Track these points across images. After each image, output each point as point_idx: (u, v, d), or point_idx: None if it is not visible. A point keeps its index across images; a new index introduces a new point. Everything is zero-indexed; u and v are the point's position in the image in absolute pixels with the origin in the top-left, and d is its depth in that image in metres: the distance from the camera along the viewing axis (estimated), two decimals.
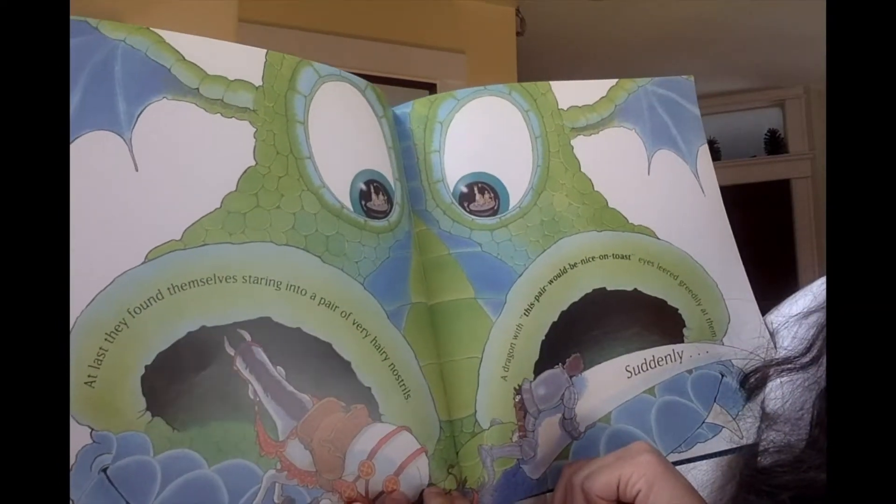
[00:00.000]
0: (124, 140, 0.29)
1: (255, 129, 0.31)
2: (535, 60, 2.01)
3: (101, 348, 0.27)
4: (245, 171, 0.31)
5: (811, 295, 0.40)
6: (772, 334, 0.41)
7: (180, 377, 0.28)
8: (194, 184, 0.30)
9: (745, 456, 0.33)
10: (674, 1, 1.82)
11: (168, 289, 0.29)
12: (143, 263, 0.28)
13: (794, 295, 0.43)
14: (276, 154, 0.32)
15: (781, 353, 0.36)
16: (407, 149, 0.39)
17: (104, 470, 0.27)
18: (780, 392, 0.37)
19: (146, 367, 0.28)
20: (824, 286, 0.39)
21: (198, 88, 0.31)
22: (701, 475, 0.41)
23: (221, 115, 0.31)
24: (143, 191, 0.29)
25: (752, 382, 0.34)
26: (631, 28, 2.00)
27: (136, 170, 0.29)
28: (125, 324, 0.28)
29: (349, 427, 0.31)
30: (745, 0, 1.77)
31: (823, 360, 0.31)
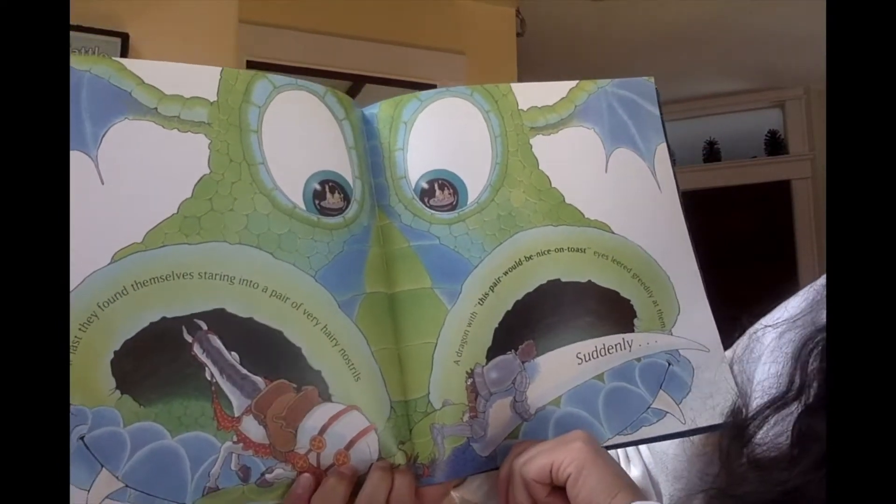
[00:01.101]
0: (91, 157, 0.33)
1: (209, 141, 0.35)
2: (535, 61, 2.02)
3: (76, 337, 0.31)
4: (200, 179, 0.34)
5: (799, 299, 0.41)
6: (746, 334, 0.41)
7: (145, 361, 0.32)
8: (154, 193, 0.33)
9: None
10: (674, 1, 1.81)
11: (132, 285, 0.32)
12: (109, 264, 0.32)
13: (784, 302, 0.43)
14: (229, 162, 0.35)
15: (769, 392, 0.35)
16: (374, 147, 0.41)
17: (82, 438, 0.31)
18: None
19: (115, 352, 0.32)
20: (812, 291, 0.40)
21: (156, 108, 0.34)
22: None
23: (178, 130, 0.34)
24: (109, 201, 0.32)
25: (752, 429, 0.34)
26: (631, 28, 2.01)
27: (102, 183, 0.33)
28: (96, 316, 0.32)
29: (300, 405, 0.34)
30: (745, 0, 1.77)
31: (813, 385, 0.31)
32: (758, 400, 0.37)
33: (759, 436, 0.33)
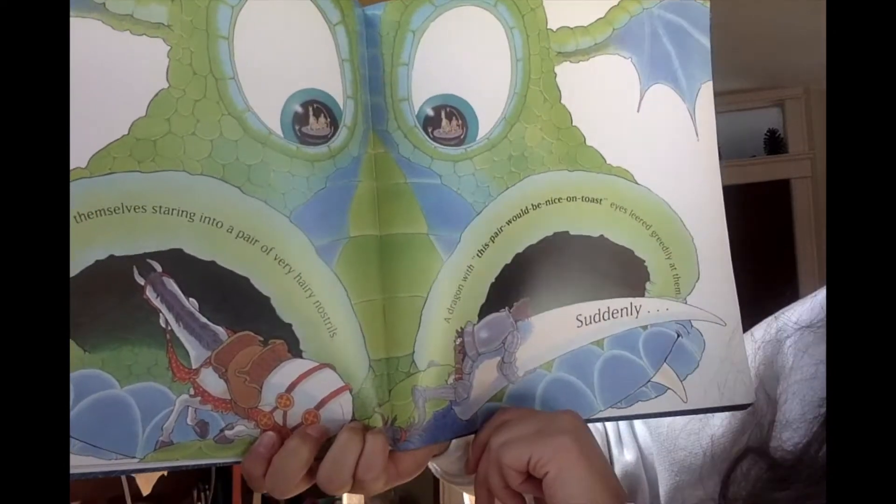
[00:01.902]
0: None
1: (168, 48, 0.28)
2: None
3: None
4: (156, 95, 0.28)
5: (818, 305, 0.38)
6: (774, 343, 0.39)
7: (90, 303, 0.28)
8: (100, 108, 0.28)
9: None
10: None
11: (75, 217, 0.27)
12: None
13: (803, 299, 0.40)
14: (192, 75, 0.29)
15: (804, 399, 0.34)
16: (374, 58, 0.35)
17: None
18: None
19: None
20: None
21: (104, 3, 0.28)
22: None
23: (130, 32, 0.28)
24: None
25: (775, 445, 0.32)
26: None
27: None
28: None
29: (266, 360, 0.30)
30: (744, 0, 1.64)
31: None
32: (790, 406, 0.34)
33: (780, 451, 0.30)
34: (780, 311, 0.41)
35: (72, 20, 0.27)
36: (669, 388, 0.38)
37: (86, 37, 0.27)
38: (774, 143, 2.72)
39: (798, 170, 2.66)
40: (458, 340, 0.35)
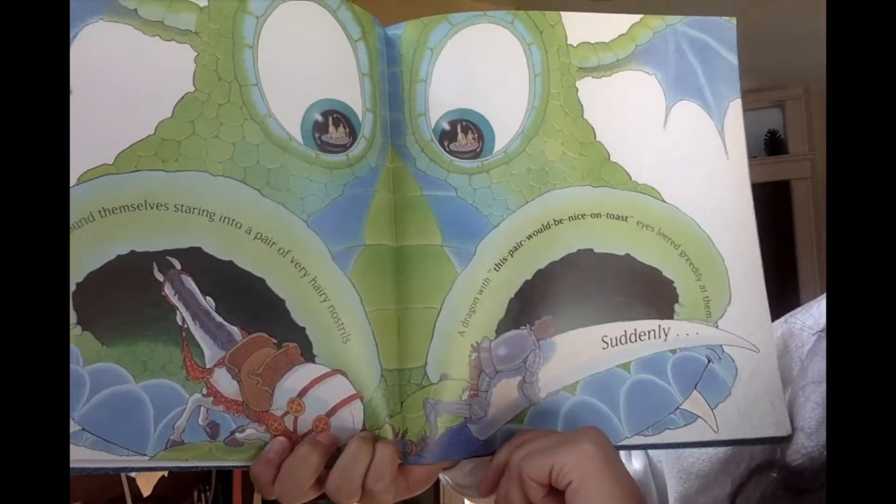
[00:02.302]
0: None
1: (196, 54, 0.30)
2: None
3: None
4: (182, 98, 0.30)
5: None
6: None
7: (109, 296, 0.29)
8: (128, 109, 0.29)
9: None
10: (673, 1, 1.69)
11: (99, 211, 0.29)
12: (75, 185, 0.29)
13: (809, 304, 0.38)
14: (217, 80, 0.30)
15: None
16: (394, 75, 0.36)
17: None
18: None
19: (77, 283, 0.29)
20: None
21: (136, 10, 0.30)
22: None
23: (160, 37, 0.30)
24: (77, 114, 0.29)
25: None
26: None
27: (70, 92, 0.29)
28: None
29: (279, 363, 0.30)
30: (744, 0, 1.63)
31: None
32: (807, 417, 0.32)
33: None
34: (787, 315, 0.39)
35: (105, 24, 0.29)
36: (699, 417, 0.36)
37: (118, 40, 0.29)
38: (774, 144, 2.67)
39: (798, 171, 2.61)
40: (474, 355, 0.35)
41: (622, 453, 0.42)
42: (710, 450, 0.38)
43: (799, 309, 0.39)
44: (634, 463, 0.41)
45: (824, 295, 0.37)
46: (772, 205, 2.57)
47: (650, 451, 0.41)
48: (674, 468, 0.39)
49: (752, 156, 2.72)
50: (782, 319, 0.39)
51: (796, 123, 2.64)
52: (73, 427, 0.28)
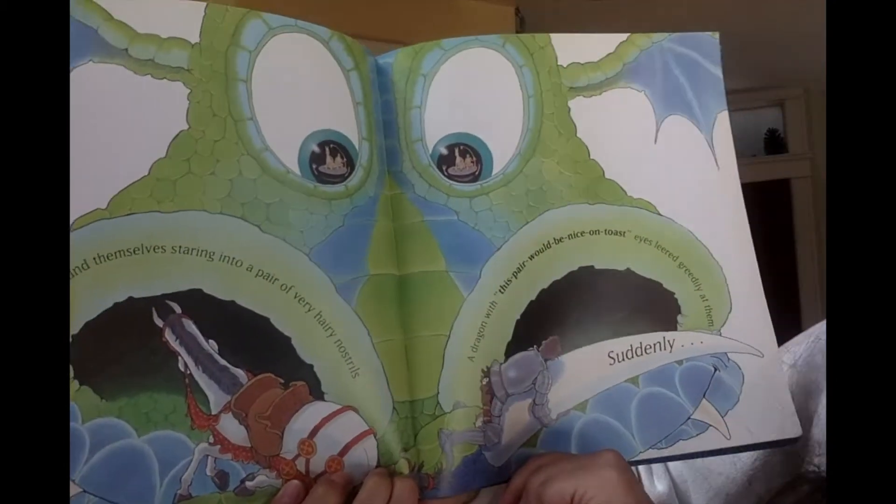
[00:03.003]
0: None
1: (189, 91, 0.29)
2: None
3: None
4: (176, 136, 0.29)
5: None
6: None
7: (108, 347, 0.28)
8: (121, 150, 0.28)
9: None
10: (673, 0, 1.74)
11: (94, 258, 0.27)
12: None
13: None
14: (212, 116, 0.29)
15: None
16: (387, 103, 0.36)
17: None
18: None
19: (73, 336, 0.27)
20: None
21: (126, 49, 0.29)
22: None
23: (152, 76, 0.29)
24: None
25: None
26: (630, 27, 1.93)
27: None
28: None
29: (288, 404, 0.29)
30: (744, 0, 1.69)
31: None
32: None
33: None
34: (815, 329, 0.39)
35: (95, 65, 0.28)
36: (711, 425, 0.36)
37: (108, 81, 0.28)
38: (774, 143, 2.70)
39: (798, 169, 2.64)
40: (485, 380, 0.34)
41: (644, 478, 0.42)
42: (738, 467, 0.38)
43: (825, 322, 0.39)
44: (658, 486, 0.40)
45: None
46: (771, 204, 2.59)
47: (674, 474, 0.41)
48: (701, 488, 0.39)
49: (751, 155, 2.75)
50: (810, 334, 0.39)
51: (796, 122, 2.66)
52: (73, 489, 0.27)
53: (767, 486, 0.32)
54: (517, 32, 1.72)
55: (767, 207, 2.57)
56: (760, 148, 2.72)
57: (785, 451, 0.35)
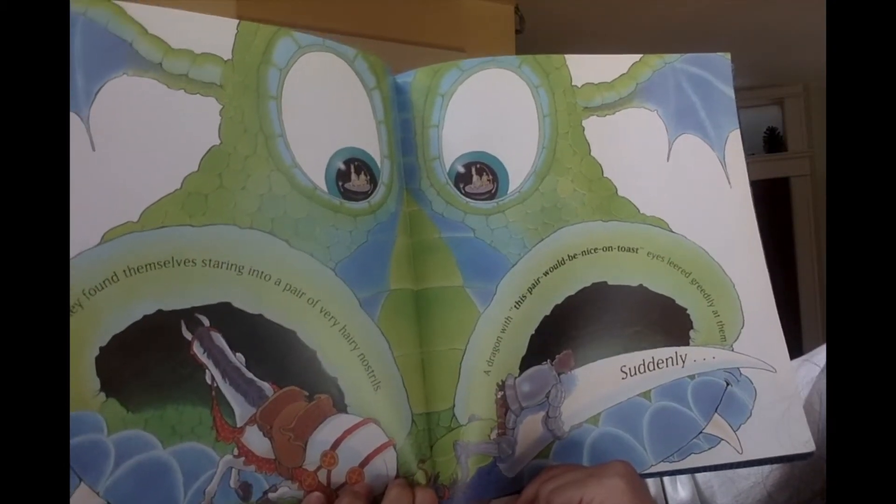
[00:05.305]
0: (81, 118, 0.28)
1: (221, 106, 0.30)
2: None
3: None
4: (208, 151, 0.29)
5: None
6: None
7: (135, 359, 0.28)
8: (154, 164, 0.29)
9: None
10: (676, 3, 1.74)
11: (124, 271, 0.28)
12: (99, 244, 0.28)
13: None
14: (243, 132, 0.30)
15: None
16: (405, 121, 0.37)
17: None
18: None
19: (101, 348, 0.28)
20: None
21: (160, 63, 0.29)
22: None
23: (185, 90, 0.29)
24: (100, 171, 0.28)
25: None
26: (630, 26, 1.91)
27: (93, 149, 0.28)
28: (80, 305, 0.27)
29: (311, 416, 0.30)
30: None
31: None
32: None
33: None
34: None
35: (129, 78, 0.29)
36: (723, 440, 0.37)
37: (142, 94, 0.29)
38: (774, 141, 2.69)
39: (797, 168, 2.63)
40: (500, 394, 0.35)
41: (668, 485, 0.42)
42: (764, 473, 0.38)
43: None
44: (681, 493, 0.41)
45: None
46: (771, 202, 2.58)
47: (699, 480, 0.42)
48: (729, 493, 0.39)
49: (750, 153, 2.76)
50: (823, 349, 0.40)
51: (795, 120, 2.65)
52: (97, 501, 0.27)
53: (801, 497, 0.32)
54: (517, 31, 1.72)
55: (766, 206, 2.56)
56: (760, 146, 2.70)
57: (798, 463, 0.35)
